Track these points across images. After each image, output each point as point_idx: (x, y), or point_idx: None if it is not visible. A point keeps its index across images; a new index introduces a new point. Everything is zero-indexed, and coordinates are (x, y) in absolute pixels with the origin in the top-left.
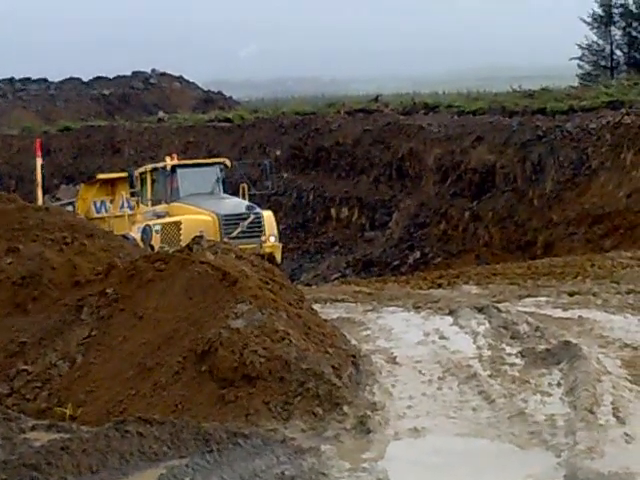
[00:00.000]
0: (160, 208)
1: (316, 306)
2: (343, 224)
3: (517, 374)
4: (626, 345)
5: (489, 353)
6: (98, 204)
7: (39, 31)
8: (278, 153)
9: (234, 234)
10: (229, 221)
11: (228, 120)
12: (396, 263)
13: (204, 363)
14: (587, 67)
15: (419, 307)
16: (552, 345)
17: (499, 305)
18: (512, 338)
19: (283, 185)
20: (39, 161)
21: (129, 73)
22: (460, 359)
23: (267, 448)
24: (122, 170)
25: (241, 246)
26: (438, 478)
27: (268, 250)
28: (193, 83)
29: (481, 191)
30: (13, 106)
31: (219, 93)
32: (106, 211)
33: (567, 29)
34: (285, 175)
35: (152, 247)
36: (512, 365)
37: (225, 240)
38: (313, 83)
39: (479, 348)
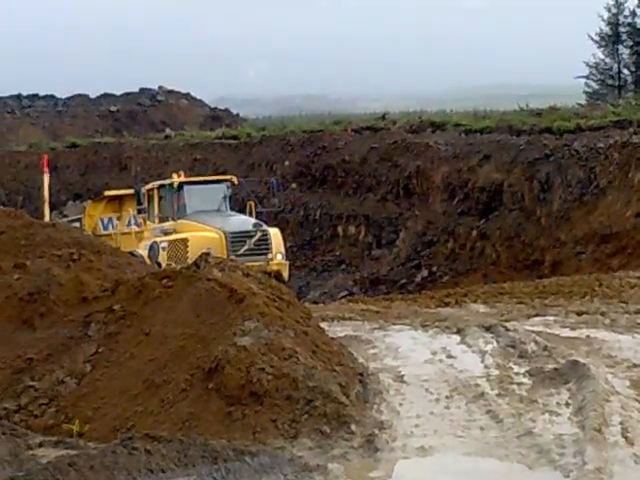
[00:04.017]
0: (167, 225)
1: (323, 324)
2: (350, 242)
3: (525, 393)
4: (634, 365)
5: (497, 372)
6: (105, 221)
7: (46, 43)
8: (285, 170)
9: (241, 251)
10: (236, 238)
11: (235, 137)
12: (403, 281)
13: (211, 380)
14: (595, 85)
15: (426, 326)
16: (560, 365)
17: (507, 324)
18: (520, 357)
19: (290, 203)
20: (46, 177)
21: (136, 90)
22: (468, 378)
23: (274, 466)
24: (129, 187)
25: (248, 264)
26: None
27: (275, 268)
28: (200, 100)
29: (489, 210)
30: (21, 122)
31: (226, 110)
32: (113, 228)
33: (575, 47)
34: (294, 186)
35: (159, 264)
36: (520, 384)
37: (232, 257)
38: (320, 101)
39: (487, 367)
